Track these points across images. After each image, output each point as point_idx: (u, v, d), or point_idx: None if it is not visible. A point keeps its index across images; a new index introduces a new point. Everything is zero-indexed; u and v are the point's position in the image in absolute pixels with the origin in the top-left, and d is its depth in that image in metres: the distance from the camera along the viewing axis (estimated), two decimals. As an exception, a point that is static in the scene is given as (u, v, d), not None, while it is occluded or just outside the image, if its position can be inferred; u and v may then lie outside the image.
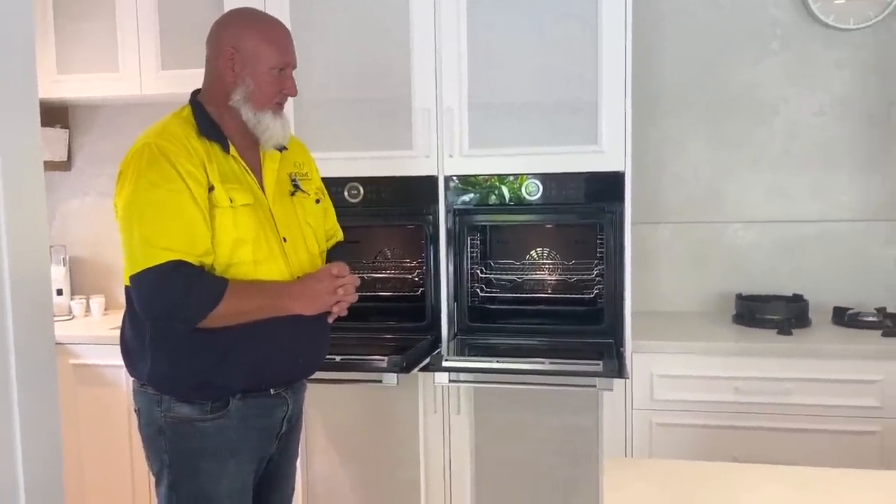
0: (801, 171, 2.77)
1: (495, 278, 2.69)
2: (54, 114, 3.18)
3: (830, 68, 2.72)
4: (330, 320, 1.68)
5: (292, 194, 1.71)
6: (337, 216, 2.45)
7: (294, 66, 1.67)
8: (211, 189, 1.52)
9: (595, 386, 2.04)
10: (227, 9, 2.28)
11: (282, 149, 1.69)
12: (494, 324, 2.49)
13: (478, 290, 2.53)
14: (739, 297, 2.63)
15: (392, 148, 2.42)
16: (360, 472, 2.54)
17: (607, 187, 2.31)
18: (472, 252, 2.52)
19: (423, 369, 2.18)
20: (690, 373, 2.30)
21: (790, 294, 2.66)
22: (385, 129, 2.42)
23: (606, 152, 2.29)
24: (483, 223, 2.51)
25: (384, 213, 2.48)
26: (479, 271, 2.54)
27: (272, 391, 1.65)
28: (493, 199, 2.38)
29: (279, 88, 1.62)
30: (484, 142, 2.36)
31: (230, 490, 1.57)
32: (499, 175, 2.36)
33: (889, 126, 2.69)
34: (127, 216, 1.50)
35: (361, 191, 2.45)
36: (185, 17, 2.74)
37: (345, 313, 1.68)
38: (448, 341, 2.42)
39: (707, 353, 2.29)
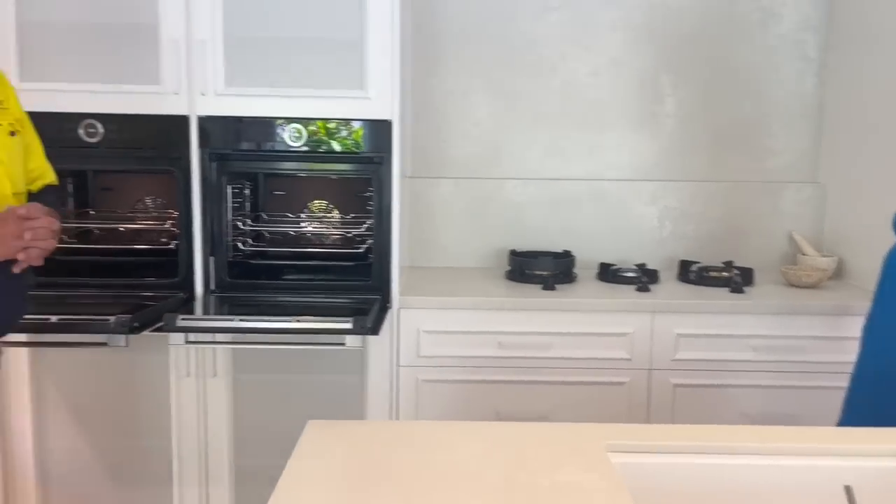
0: (576, 129, 2.81)
1: (267, 231, 2.52)
2: None
3: (605, 29, 2.77)
4: (15, 270, 1.43)
5: None
6: (73, 157, 2.18)
7: None
8: None
9: (344, 344, 1.94)
10: None
11: None
12: (259, 280, 2.33)
13: (239, 244, 2.35)
14: (512, 253, 2.64)
15: (136, 82, 2.15)
16: (105, 445, 2.30)
17: (375, 137, 2.19)
18: (235, 202, 2.32)
19: (159, 330, 1.97)
20: (456, 328, 2.27)
21: (561, 250, 2.71)
22: (128, 61, 2.14)
23: (373, 99, 2.17)
24: (244, 171, 2.31)
25: (129, 155, 2.21)
26: (240, 223, 2.35)
27: None
28: (254, 144, 2.19)
29: None
30: (241, 80, 2.16)
31: None
32: (258, 118, 2.17)
33: (656, 89, 2.79)
34: None
35: (100, 129, 2.16)
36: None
37: (38, 262, 1.44)
38: (203, 299, 2.22)
39: (472, 308, 2.27)
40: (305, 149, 2.19)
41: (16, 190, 1.52)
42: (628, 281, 2.50)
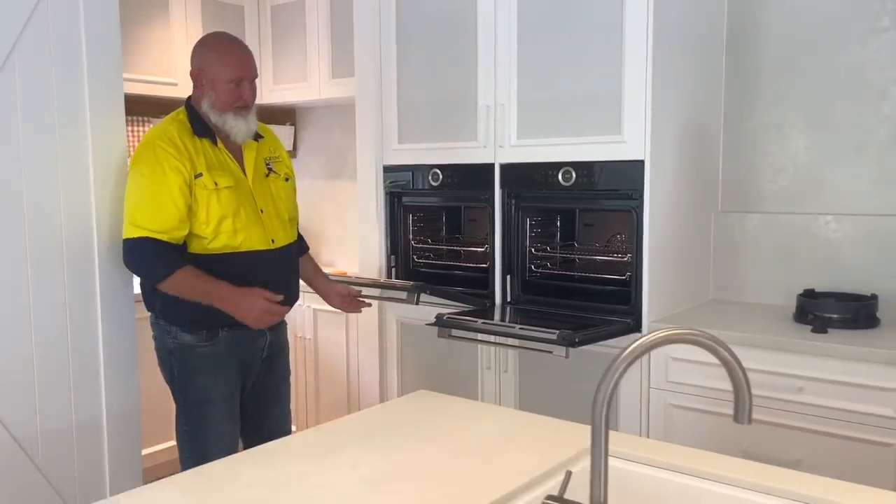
0: (911, 159, 2.49)
1: (559, 257, 2.92)
2: (284, 114, 4.17)
3: (952, 43, 2.40)
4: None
5: (267, 175, 2.23)
6: (420, 196, 2.98)
7: (252, 78, 2.13)
8: (199, 175, 2.03)
9: (552, 353, 2.26)
10: (393, 26, 2.97)
11: (257, 138, 2.21)
12: (545, 297, 2.76)
13: (533, 267, 2.83)
14: (802, 293, 2.51)
15: (461, 140, 2.84)
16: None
17: (630, 177, 2.44)
18: (532, 232, 2.82)
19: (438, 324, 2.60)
20: (701, 358, 2.34)
21: (870, 294, 2.45)
22: (457, 124, 2.85)
23: (628, 142, 2.43)
24: (532, 206, 2.77)
25: (457, 196, 2.92)
26: (533, 249, 2.83)
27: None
28: (537, 184, 2.66)
29: (238, 96, 2.09)
30: (527, 133, 2.66)
31: (221, 396, 2.12)
32: (539, 163, 2.64)
33: None
34: (126, 194, 2.04)
35: (441, 176, 2.91)
36: (348, 39, 3.45)
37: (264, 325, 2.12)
38: (501, 307, 2.78)
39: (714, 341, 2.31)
40: (575, 188, 2.57)
41: (290, 216, 2.30)
42: (942, 334, 2.16)
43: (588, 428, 1.42)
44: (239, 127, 2.12)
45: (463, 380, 2.92)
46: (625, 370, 0.93)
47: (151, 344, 2.18)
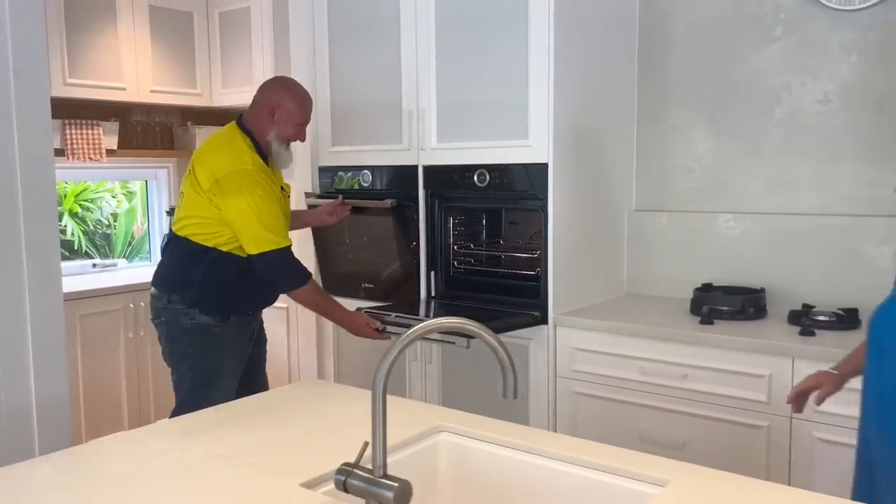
0: (802, 162, 2.65)
1: (481, 254, 3.07)
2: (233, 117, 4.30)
3: (836, 52, 2.56)
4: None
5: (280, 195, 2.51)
6: (354, 196, 3.16)
7: (308, 122, 2.50)
8: None
9: (454, 343, 2.42)
10: (326, 32, 3.18)
11: None
12: (466, 291, 2.91)
13: (456, 263, 2.98)
14: (698, 287, 2.67)
15: (388, 143, 2.99)
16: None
17: (536, 178, 2.60)
18: (455, 230, 2.97)
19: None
20: (601, 349, 2.51)
21: (759, 287, 2.61)
22: (384, 128, 3.00)
23: (534, 146, 2.58)
24: (453, 206, 2.92)
25: (386, 195, 3.06)
26: (456, 247, 2.98)
27: (250, 313, 2.53)
28: (455, 185, 2.81)
29: (297, 134, 2.47)
30: (446, 137, 2.81)
31: (230, 372, 2.44)
32: (456, 165, 2.79)
33: (896, 113, 2.45)
34: (248, 214, 2.28)
35: (371, 177, 3.06)
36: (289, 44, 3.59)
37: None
38: (426, 302, 2.94)
39: (614, 333, 2.47)
40: (489, 188, 2.72)
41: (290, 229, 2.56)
42: (821, 325, 2.32)
43: (441, 409, 1.58)
44: (287, 157, 2.49)
45: (394, 370, 3.07)
46: (401, 352, 1.07)
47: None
